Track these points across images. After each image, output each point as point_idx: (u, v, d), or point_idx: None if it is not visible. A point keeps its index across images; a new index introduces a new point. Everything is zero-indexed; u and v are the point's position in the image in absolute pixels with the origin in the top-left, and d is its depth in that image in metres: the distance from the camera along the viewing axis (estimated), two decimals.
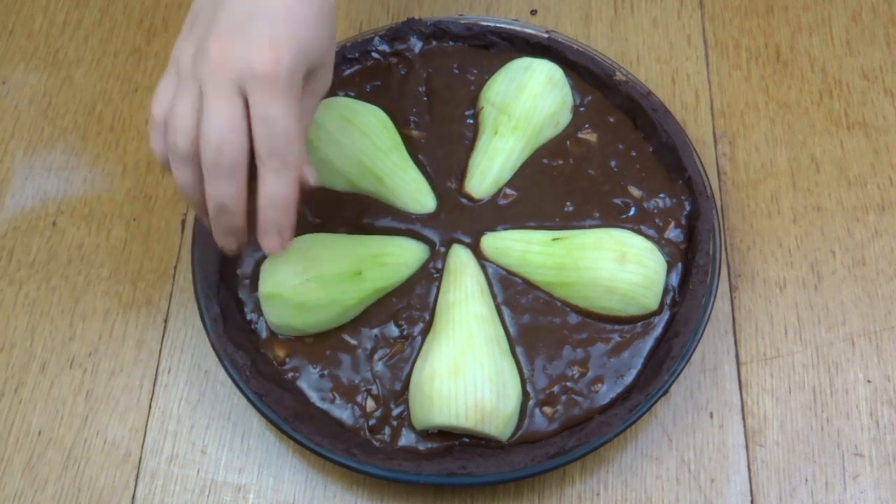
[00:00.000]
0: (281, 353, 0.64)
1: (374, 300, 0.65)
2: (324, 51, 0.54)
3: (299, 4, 0.52)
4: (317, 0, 0.53)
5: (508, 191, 0.69)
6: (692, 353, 0.61)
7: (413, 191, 0.68)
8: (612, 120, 0.72)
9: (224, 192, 0.51)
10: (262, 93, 0.49)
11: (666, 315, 0.64)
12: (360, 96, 0.72)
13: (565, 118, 0.71)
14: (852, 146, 0.74)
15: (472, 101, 0.72)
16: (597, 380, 0.62)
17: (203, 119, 0.50)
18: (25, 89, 0.78)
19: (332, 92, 0.72)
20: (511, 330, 0.64)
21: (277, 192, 0.51)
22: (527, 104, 0.69)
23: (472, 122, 0.72)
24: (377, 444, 0.61)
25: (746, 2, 0.81)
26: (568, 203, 0.68)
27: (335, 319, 0.63)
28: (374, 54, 0.74)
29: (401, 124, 0.71)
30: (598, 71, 0.72)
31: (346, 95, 0.72)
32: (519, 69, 0.71)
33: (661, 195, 0.68)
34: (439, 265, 0.66)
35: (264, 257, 0.64)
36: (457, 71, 0.74)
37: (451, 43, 0.75)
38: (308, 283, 0.61)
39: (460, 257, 0.66)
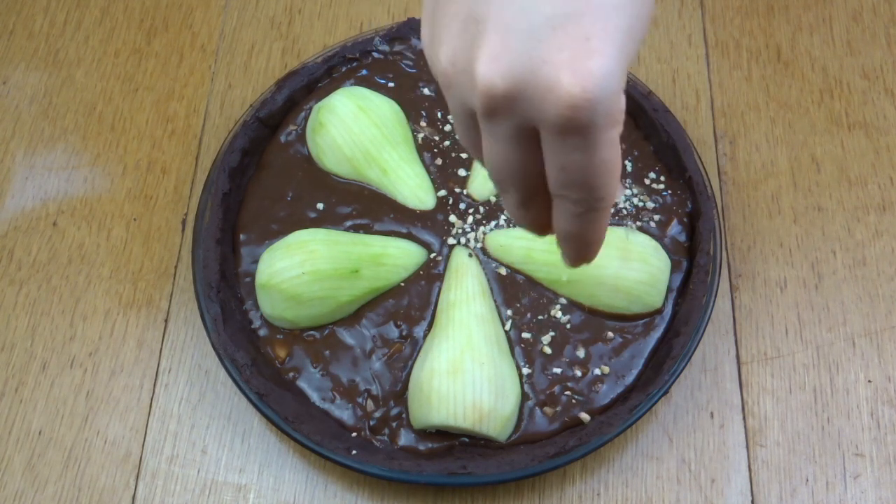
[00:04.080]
0: (281, 352, 0.64)
1: (369, 299, 0.65)
2: (649, 18, 0.37)
3: None
4: None
5: None
6: (692, 352, 0.61)
7: (415, 186, 0.68)
8: None
9: (512, 214, 0.42)
10: (560, 138, 0.35)
11: (668, 314, 0.64)
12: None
13: None
14: (853, 146, 0.74)
15: None
16: (597, 380, 0.62)
17: (482, 142, 0.38)
18: (26, 89, 0.78)
19: (343, 84, 0.73)
20: (511, 330, 0.64)
21: (577, 231, 0.40)
22: None
23: None
24: (378, 443, 0.61)
25: (747, 2, 0.81)
26: None
27: (328, 315, 0.63)
28: (375, 54, 0.74)
29: (412, 120, 0.72)
30: None
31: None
32: None
33: (663, 194, 0.68)
34: (440, 267, 0.66)
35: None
36: None
37: None
38: (303, 276, 0.61)
39: (462, 257, 0.66)
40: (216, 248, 0.65)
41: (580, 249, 0.41)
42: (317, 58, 0.74)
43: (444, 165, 0.70)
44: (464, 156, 0.70)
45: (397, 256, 0.65)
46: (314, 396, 0.62)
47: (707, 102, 0.76)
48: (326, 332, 0.64)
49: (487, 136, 0.37)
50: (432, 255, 0.67)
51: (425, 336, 0.64)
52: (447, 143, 0.71)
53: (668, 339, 0.63)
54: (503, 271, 0.66)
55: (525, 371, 0.62)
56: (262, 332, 0.64)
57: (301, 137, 0.71)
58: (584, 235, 0.40)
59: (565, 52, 0.33)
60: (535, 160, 0.37)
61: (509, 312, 0.64)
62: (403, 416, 0.61)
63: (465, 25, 0.35)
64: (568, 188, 0.37)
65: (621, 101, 0.35)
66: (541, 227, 0.42)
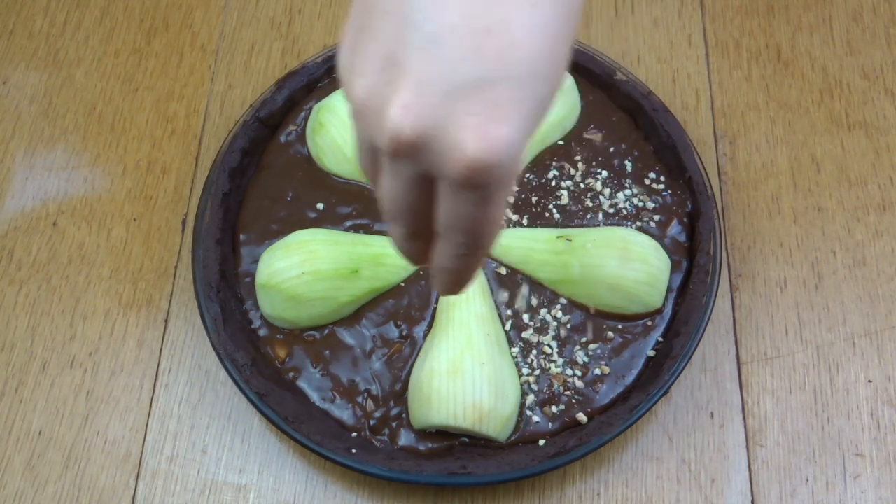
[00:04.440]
0: (281, 352, 0.64)
1: (368, 299, 0.65)
2: (558, 86, 0.37)
3: (551, 19, 0.35)
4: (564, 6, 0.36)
5: (511, 192, 0.69)
6: (692, 352, 0.61)
7: None
8: (613, 119, 0.72)
9: (398, 245, 0.44)
10: (458, 191, 0.36)
11: (668, 314, 0.64)
12: None
13: (572, 123, 0.71)
14: (853, 146, 0.74)
15: None
16: (597, 380, 0.62)
17: (381, 175, 0.39)
18: (26, 89, 0.78)
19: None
20: (511, 330, 0.64)
21: (453, 268, 0.42)
22: None
23: None
24: (378, 443, 0.61)
25: (747, 2, 0.81)
26: (571, 202, 0.68)
27: (328, 315, 0.63)
28: None
29: None
30: (598, 71, 0.72)
31: None
32: None
33: (663, 194, 0.68)
34: None
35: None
36: None
37: None
38: (303, 276, 0.61)
39: None
40: (216, 248, 0.65)
41: (453, 283, 0.43)
42: (317, 58, 0.74)
43: None
44: None
45: (397, 256, 0.65)
46: (314, 396, 0.62)
47: (707, 102, 0.76)
48: (326, 332, 0.64)
49: (387, 172, 0.38)
50: None
51: (425, 336, 0.64)
52: None
53: (668, 339, 0.63)
54: (503, 271, 0.66)
55: (525, 371, 0.62)
56: (262, 332, 0.64)
57: (301, 137, 0.71)
58: (459, 272, 0.42)
59: (475, 116, 0.34)
60: (428, 201, 0.39)
61: (509, 312, 0.64)
62: (403, 416, 0.61)
63: (385, 65, 0.36)
64: (453, 232, 0.39)
65: (518, 166, 0.36)
66: (419, 260, 0.44)
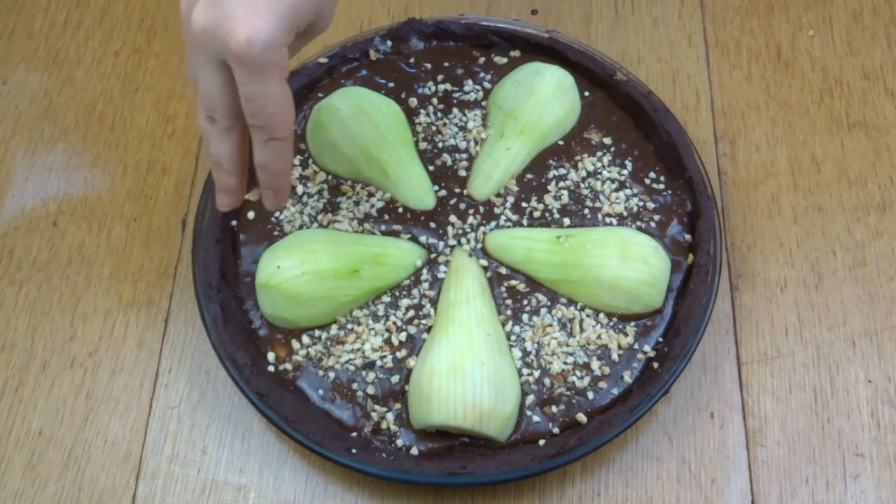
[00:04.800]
0: (281, 352, 0.64)
1: (368, 298, 0.65)
2: (318, 2, 0.53)
3: None
4: None
5: (511, 191, 0.69)
6: (692, 352, 0.61)
7: (415, 187, 0.68)
8: (613, 119, 0.72)
9: (216, 150, 0.55)
10: (240, 71, 0.50)
11: (668, 314, 0.64)
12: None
13: (572, 123, 0.71)
14: (853, 146, 0.74)
15: (477, 102, 0.73)
16: (597, 380, 0.62)
17: (198, 79, 0.53)
18: (26, 89, 0.78)
19: (343, 84, 0.73)
20: (511, 330, 0.64)
21: (267, 160, 0.54)
22: (534, 110, 0.69)
23: (477, 123, 0.72)
24: (378, 443, 0.61)
25: (747, 2, 0.81)
26: (571, 202, 0.68)
27: (328, 315, 0.63)
28: (375, 54, 0.74)
29: (411, 120, 0.72)
30: (598, 71, 0.72)
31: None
32: (529, 74, 0.71)
33: (663, 194, 0.68)
34: (441, 267, 0.66)
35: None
36: (460, 71, 0.74)
37: (451, 43, 0.75)
38: (304, 276, 0.61)
39: (462, 257, 0.66)
40: (216, 248, 0.65)
41: (272, 179, 0.55)
42: (317, 58, 0.74)
43: (444, 165, 0.70)
44: (464, 156, 0.71)
45: (397, 256, 0.65)
46: (314, 396, 0.62)
47: (707, 102, 0.76)
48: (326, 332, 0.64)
49: (200, 68, 0.52)
50: (433, 255, 0.67)
51: (426, 336, 0.64)
52: (447, 143, 0.71)
53: (669, 338, 0.63)
54: (503, 271, 0.66)
55: (525, 371, 0.62)
56: (262, 332, 0.64)
57: (301, 137, 0.71)
58: (271, 165, 0.54)
59: (242, 12, 0.49)
60: (235, 93, 0.52)
61: (509, 312, 0.64)
62: (403, 415, 0.61)
63: None
64: (253, 117, 0.52)
65: (281, 53, 0.51)
66: (232, 159, 0.56)
